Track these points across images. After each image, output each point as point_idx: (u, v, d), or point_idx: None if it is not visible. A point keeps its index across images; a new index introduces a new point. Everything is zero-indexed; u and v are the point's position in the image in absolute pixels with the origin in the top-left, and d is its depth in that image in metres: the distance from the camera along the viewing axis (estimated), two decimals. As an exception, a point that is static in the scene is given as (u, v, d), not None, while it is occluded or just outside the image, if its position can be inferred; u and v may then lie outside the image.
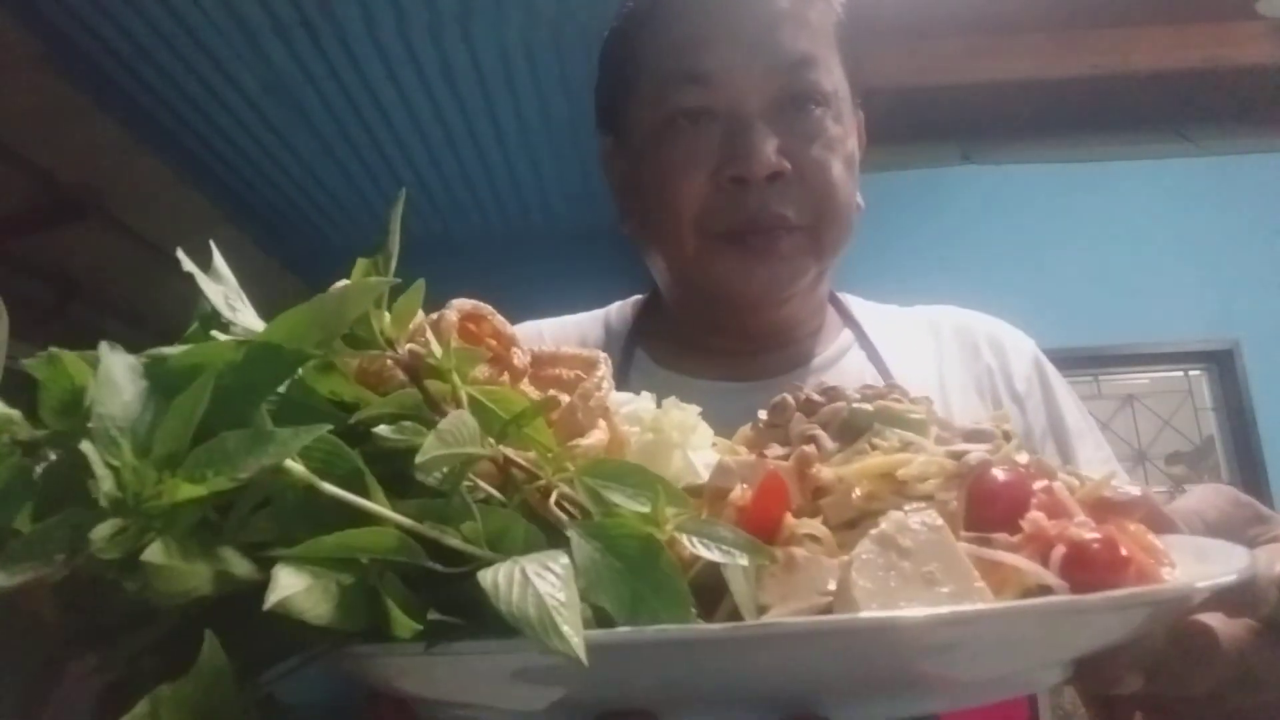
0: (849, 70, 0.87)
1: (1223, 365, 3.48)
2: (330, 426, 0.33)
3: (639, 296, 0.98)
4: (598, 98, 0.92)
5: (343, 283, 0.41)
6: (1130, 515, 0.39)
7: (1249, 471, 3.38)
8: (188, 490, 0.30)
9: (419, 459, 0.34)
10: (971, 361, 0.91)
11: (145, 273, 2.91)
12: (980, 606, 0.33)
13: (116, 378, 0.33)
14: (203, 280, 0.40)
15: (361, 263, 0.41)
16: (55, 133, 2.32)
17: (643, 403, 0.49)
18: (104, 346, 0.34)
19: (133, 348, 0.36)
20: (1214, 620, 0.41)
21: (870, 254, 3.18)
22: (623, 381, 0.87)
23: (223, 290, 0.41)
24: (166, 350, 0.36)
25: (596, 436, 0.42)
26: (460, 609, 0.33)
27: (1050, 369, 0.92)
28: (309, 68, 2.91)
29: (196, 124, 3.13)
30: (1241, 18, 3.29)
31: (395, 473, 0.35)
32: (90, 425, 0.32)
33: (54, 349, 0.34)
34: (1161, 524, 0.41)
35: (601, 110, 0.92)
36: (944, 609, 0.33)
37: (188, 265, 0.40)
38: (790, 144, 0.79)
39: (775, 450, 0.44)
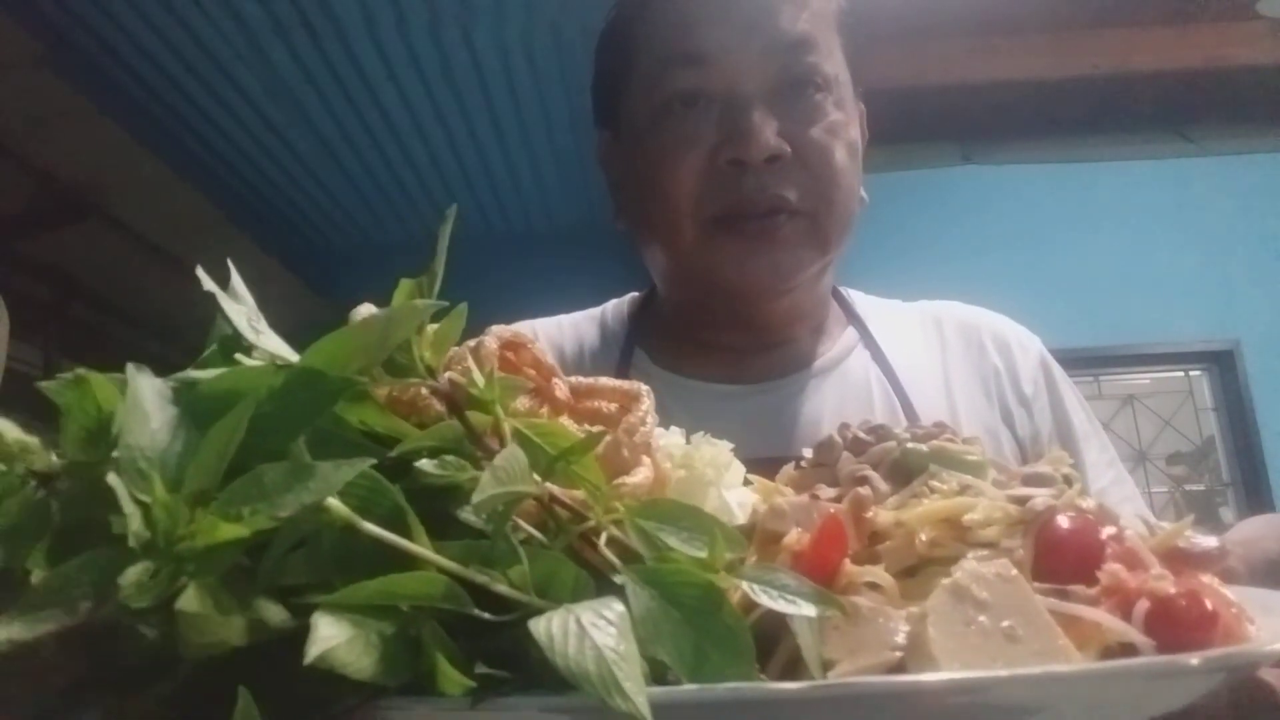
0: (850, 58, 0.85)
1: (1223, 365, 3.48)
2: (374, 461, 0.31)
3: (635, 294, 0.96)
4: (594, 93, 0.91)
5: (366, 307, 0.39)
6: (1208, 568, 0.37)
7: (1249, 471, 3.38)
8: (225, 531, 0.28)
9: (476, 499, 0.31)
10: (977, 360, 0.89)
11: (145, 273, 2.91)
12: (1076, 667, 0.32)
13: (145, 404, 0.30)
14: (224, 300, 0.38)
15: (405, 284, 0.38)
16: (55, 133, 2.32)
17: (672, 438, 0.46)
18: (131, 369, 0.31)
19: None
20: (1273, 677, 0.40)
21: (870, 254, 3.18)
22: None
23: (244, 311, 0.38)
24: (196, 374, 0.33)
25: (642, 475, 0.40)
26: (505, 660, 0.31)
27: (1057, 369, 0.91)
28: (309, 68, 2.91)
29: (196, 124, 3.13)
30: (1242, 18, 3.29)
31: (434, 511, 0.33)
32: (117, 456, 0.29)
33: (81, 370, 0.32)
34: (1229, 575, 0.39)
35: (598, 105, 0.91)
36: (1037, 669, 0.31)
37: (208, 284, 0.38)
38: (790, 127, 0.77)
39: (826, 492, 0.42)
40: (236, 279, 0.39)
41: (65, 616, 0.26)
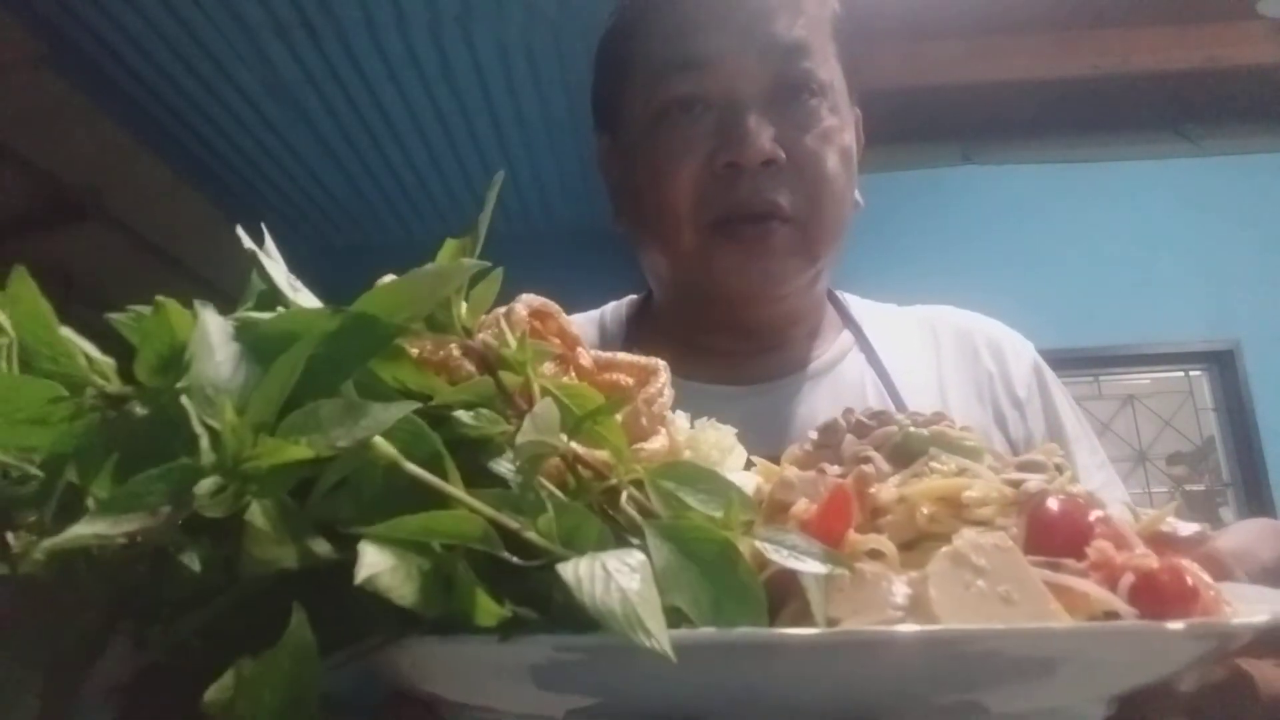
0: (846, 65, 0.86)
1: (1223, 365, 3.48)
2: (418, 405, 0.32)
3: (633, 297, 0.97)
4: (594, 97, 0.92)
5: (389, 278, 0.40)
6: (1188, 551, 0.39)
7: (1249, 471, 3.38)
8: (288, 452, 0.29)
9: (519, 438, 0.33)
10: (971, 365, 0.90)
11: (145, 273, 2.91)
12: (1069, 625, 0.34)
13: (212, 338, 0.32)
14: (263, 258, 0.39)
15: (450, 244, 0.39)
16: (55, 133, 2.32)
17: (679, 420, 0.48)
18: (199, 305, 0.33)
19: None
20: (1252, 667, 0.42)
21: (870, 254, 3.19)
22: None
23: (282, 269, 0.40)
24: (257, 315, 0.35)
25: (659, 442, 0.42)
26: (529, 603, 0.32)
27: (1049, 373, 0.92)
28: (309, 68, 2.91)
29: (196, 124, 3.13)
30: (1242, 18, 3.29)
31: (467, 461, 0.34)
32: (186, 384, 0.30)
33: (161, 298, 0.33)
34: (1216, 569, 0.41)
35: (598, 109, 0.91)
36: (1034, 625, 0.33)
37: (247, 243, 0.39)
38: (785, 132, 0.78)
39: (830, 469, 0.44)
40: (270, 242, 0.41)
41: (147, 519, 0.28)
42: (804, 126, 0.79)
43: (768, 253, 0.79)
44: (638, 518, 0.35)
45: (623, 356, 0.47)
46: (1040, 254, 3.48)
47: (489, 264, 0.38)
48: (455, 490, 0.32)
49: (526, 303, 0.44)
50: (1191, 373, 3.58)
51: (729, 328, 0.87)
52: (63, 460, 0.32)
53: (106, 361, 0.34)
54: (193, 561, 0.30)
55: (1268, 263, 3.47)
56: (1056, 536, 0.38)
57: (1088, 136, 3.61)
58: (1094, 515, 0.39)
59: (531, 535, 0.33)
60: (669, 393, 0.45)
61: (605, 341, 0.93)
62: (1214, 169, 3.59)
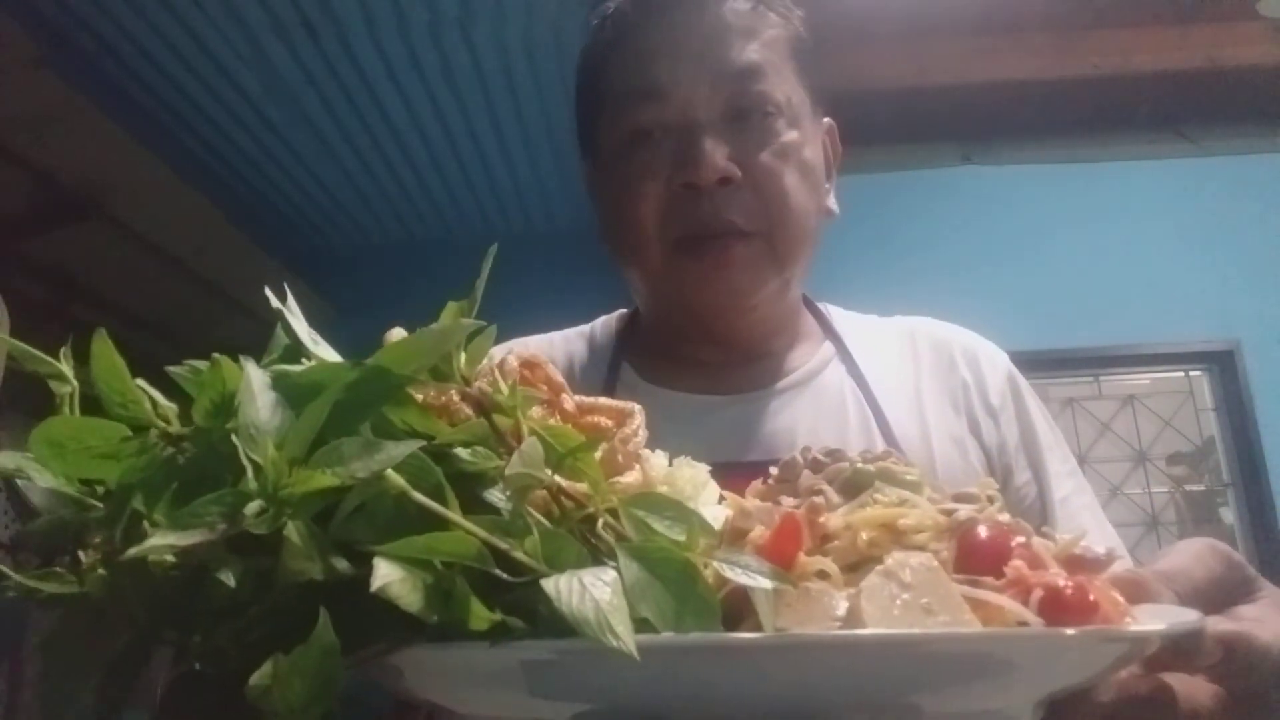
0: (807, 82, 0.89)
1: (1223, 365, 3.48)
2: (423, 444, 0.38)
3: (623, 311, 1.00)
4: (576, 124, 0.95)
5: (397, 331, 0.48)
6: (1096, 572, 0.44)
7: (1249, 471, 3.38)
8: (318, 481, 0.36)
9: (509, 472, 0.39)
10: (947, 374, 0.92)
11: (145, 273, 2.91)
12: (976, 630, 0.39)
13: (255, 389, 0.38)
14: (289, 315, 0.46)
15: (452, 306, 0.45)
16: (55, 133, 2.32)
17: (656, 459, 0.53)
18: (245, 361, 0.40)
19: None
20: (1174, 681, 0.46)
21: (870, 254, 3.20)
22: (609, 396, 0.89)
23: (304, 326, 0.47)
24: (289, 368, 0.42)
25: (633, 477, 0.48)
26: (517, 614, 0.37)
27: (1023, 382, 0.94)
28: (309, 68, 2.91)
29: (196, 124, 3.13)
30: (1242, 18, 3.29)
31: (464, 492, 0.40)
32: (235, 425, 0.37)
33: (217, 355, 0.40)
34: (1135, 591, 0.45)
35: (580, 136, 0.95)
36: (942, 630, 0.38)
37: (275, 303, 0.46)
38: (740, 152, 0.82)
39: (788, 502, 0.49)
40: (291, 299, 0.47)
41: (207, 534, 0.34)
42: (760, 144, 0.83)
43: (730, 267, 0.83)
44: (612, 541, 0.40)
45: (603, 401, 0.53)
46: (1040, 254, 3.48)
47: (485, 323, 0.44)
48: (454, 516, 0.38)
49: (517, 355, 0.50)
50: (1191, 373, 3.58)
51: (708, 340, 0.91)
52: (130, 490, 0.39)
53: (170, 407, 0.40)
54: (228, 577, 0.36)
55: (1268, 263, 3.47)
56: (982, 558, 0.43)
57: (1088, 136, 3.61)
58: (1016, 541, 0.44)
59: (519, 555, 0.38)
60: (643, 433, 0.51)
61: (594, 354, 0.96)
62: (1214, 169, 3.58)
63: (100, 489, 0.41)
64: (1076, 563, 0.44)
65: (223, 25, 2.66)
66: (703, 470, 0.53)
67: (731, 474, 0.82)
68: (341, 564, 0.36)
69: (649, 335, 0.96)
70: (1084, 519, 0.90)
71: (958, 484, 0.83)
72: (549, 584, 0.36)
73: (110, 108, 2.47)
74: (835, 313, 1.00)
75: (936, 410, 0.89)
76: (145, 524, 0.38)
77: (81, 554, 0.39)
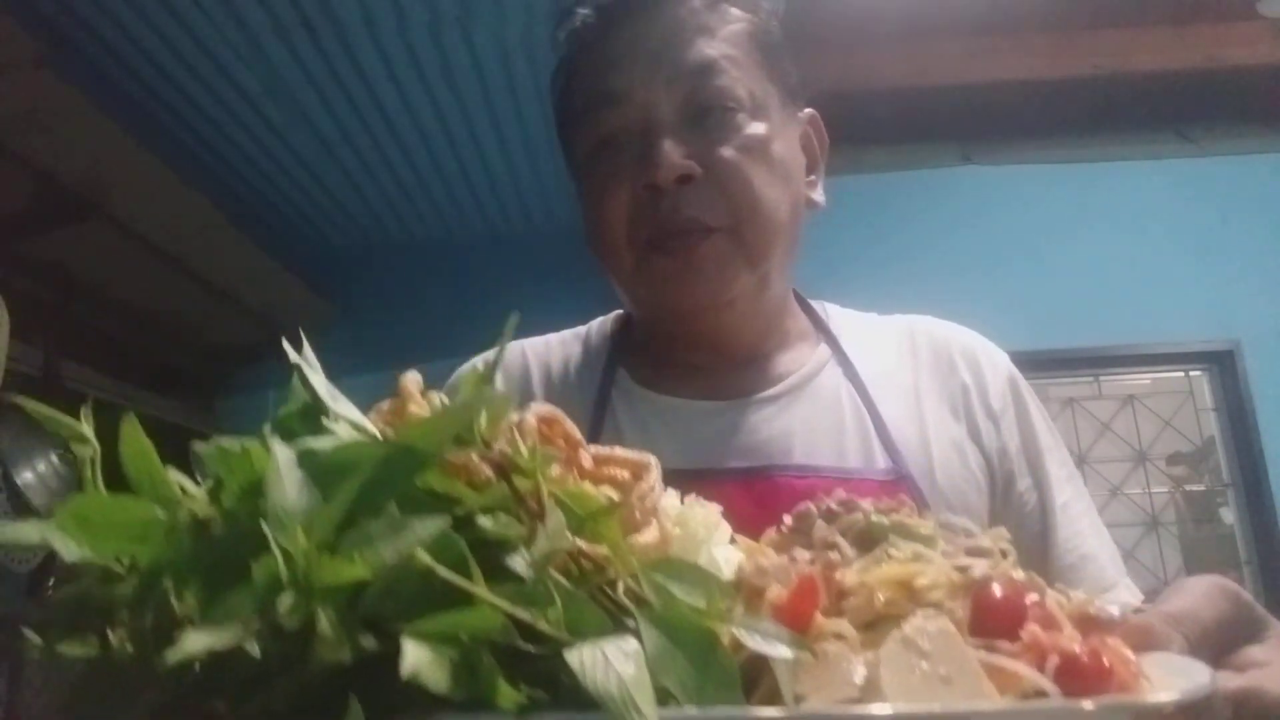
0: (777, 75, 0.88)
1: (1223, 366, 3.48)
2: (448, 519, 0.38)
3: (619, 313, 1.00)
4: (559, 140, 0.96)
5: (412, 374, 0.50)
6: (1110, 632, 0.44)
7: (1249, 471, 3.38)
8: (350, 572, 0.36)
9: (536, 553, 0.40)
10: (947, 377, 0.91)
11: (145, 273, 2.91)
12: (996, 704, 0.39)
13: (283, 469, 0.38)
14: (307, 370, 0.47)
15: (472, 375, 0.47)
16: (55, 133, 2.32)
17: (668, 500, 0.54)
18: (271, 439, 0.40)
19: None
20: None
21: (870, 254, 3.20)
22: (604, 402, 0.90)
23: (323, 381, 0.47)
24: (315, 446, 0.42)
25: (650, 534, 0.48)
26: (540, 684, 0.38)
27: (1024, 384, 0.93)
28: (309, 68, 2.91)
29: (196, 124, 3.13)
30: (1242, 18, 3.29)
31: (485, 558, 0.40)
32: (264, 510, 0.37)
33: (244, 441, 0.41)
34: (1145, 639, 0.46)
35: (562, 149, 0.95)
36: (965, 706, 0.39)
37: (294, 357, 0.47)
38: (701, 149, 0.82)
39: (801, 554, 0.50)
40: (308, 349, 0.48)
41: (240, 631, 0.35)
42: (720, 140, 0.82)
43: (697, 264, 0.82)
44: (631, 606, 0.41)
45: (619, 452, 0.53)
46: (1040, 254, 3.48)
47: (505, 394, 0.45)
48: (479, 590, 0.38)
49: (535, 412, 0.50)
50: (1191, 373, 3.58)
51: (693, 342, 0.90)
52: (159, 572, 0.39)
53: (199, 492, 0.41)
54: (253, 649, 0.36)
55: (1268, 263, 3.47)
56: (997, 618, 0.43)
57: (1088, 136, 3.61)
58: (1030, 599, 0.45)
59: (542, 625, 0.38)
60: (659, 487, 0.52)
61: (589, 358, 0.96)
62: (1214, 169, 3.58)
63: (126, 561, 0.41)
64: (1090, 622, 0.45)
65: (223, 25, 2.66)
66: (714, 511, 0.54)
67: (727, 481, 0.81)
68: (369, 642, 0.36)
69: (641, 339, 0.96)
70: (1083, 525, 0.90)
71: (957, 490, 0.84)
72: (573, 657, 0.36)
73: (110, 108, 2.47)
74: (832, 311, 0.99)
75: (935, 413, 0.89)
76: (173, 602, 0.38)
77: (109, 631, 0.40)
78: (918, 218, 3.48)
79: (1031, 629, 0.42)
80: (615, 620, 0.40)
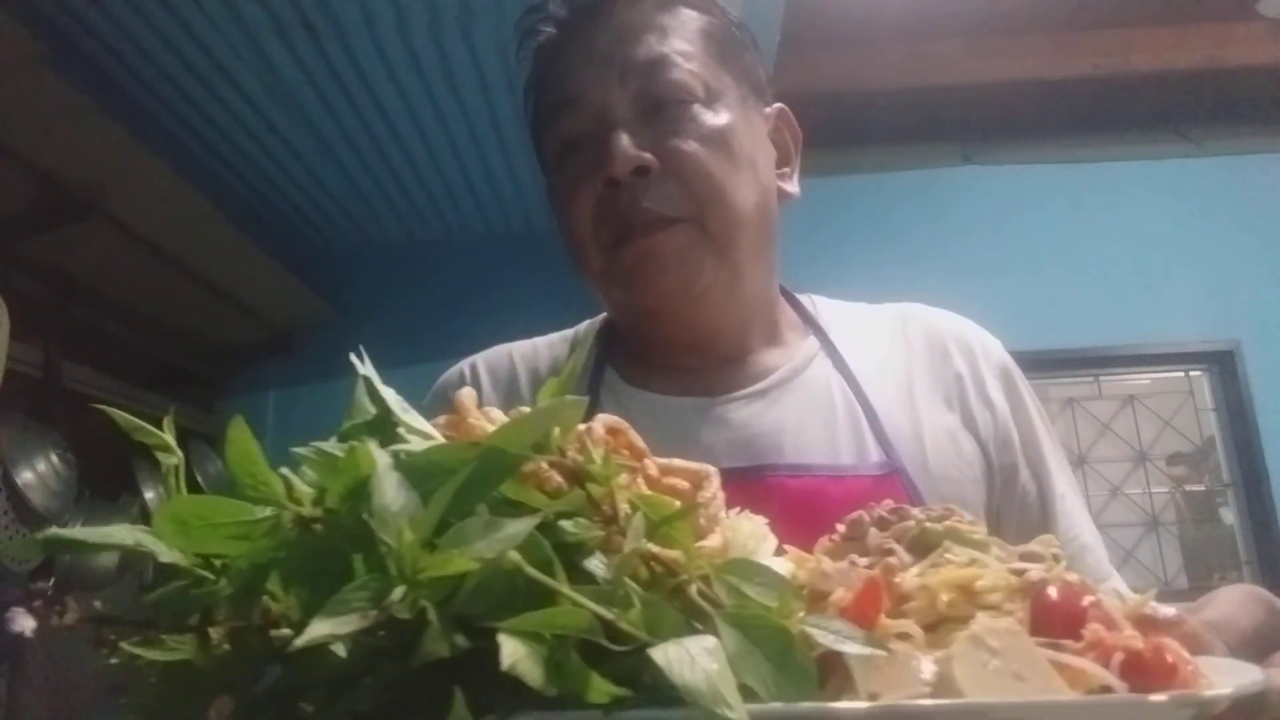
0: (733, 69, 0.88)
1: (1223, 366, 3.48)
2: (537, 521, 0.40)
3: (606, 314, 1.00)
4: (536, 154, 0.96)
5: (468, 391, 0.52)
6: (1168, 632, 0.45)
7: (1249, 472, 3.39)
8: (454, 565, 0.37)
9: (627, 548, 0.41)
10: (940, 367, 0.91)
11: (145, 273, 2.91)
12: (1073, 697, 0.40)
13: (384, 471, 0.40)
14: (377, 384, 0.49)
15: (552, 383, 0.49)
16: (55, 133, 2.31)
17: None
18: (373, 447, 0.41)
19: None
20: None
21: (870, 254, 3.20)
22: (593, 401, 0.88)
23: (392, 393, 0.49)
24: (407, 448, 0.44)
25: (715, 540, 0.49)
26: (620, 682, 0.39)
27: (1018, 372, 0.93)
28: (309, 68, 2.91)
29: (196, 124, 3.13)
30: (1242, 18, 3.29)
31: (565, 562, 0.41)
32: (369, 509, 0.39)
33: (355, 443, 0.42)
34: (1193, 644, 0.46)
35: (540, 165, 0.96)
36: (1045, 697, 0.40)
37: (362, 370, 0.49)
38: (657, 141, 0.82)
39: (860, 561, 0.51)
40: (369, 364, 0.50)
41: (359, 620, 0.36)
42: (675, 132, 0.82)
43: (661, 254, 0.82)
44: (706, 606, 0.42)
45: (677, 463, 0.54)
46: (1040, 254, 3.48)
47: (582, 399, 0.47)
48: (565, 589, 0.39)
49: (603, 422, 0.52)
50: (1191, 373, 3.58)
51: (673, 340, 0.89)
52: (264, 569, 0.40)
53: (306, 491, 0.42)
54: (340, 649, 0.37)
55: (1268, 263, 3.47)
56: (1056, 619, 0.44)
57: (1088, 136, 3.62)
58: (1087, 600, 0.45)
59: (624, 625, 0.39)
60: (720, 495, 0.53)
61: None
62: (1214, 169, 3.59)
63: (217, 563, 0.42)
64: (1148, 622, 0.46)
65: (223, 25, 2.65)
66: (761, 524, 0.54)
67: (724, 482, 0.81)
68: (462, 640, 0.38)
69: (626, 340, 0.96)
70: (1079, 516, 0.90)
71: (951, 481, 0.84)
72: (658, 654, 0.37)
73: (110, 108, 2.47)
74: (820, 304, 0.98)
75: (928, 404, 0.88)
76: (270, 603, 0.39)
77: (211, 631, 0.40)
78: (918, 218, 3.48)
79: (1094, 627, 0.43)
80: (689, 621, 0.41)
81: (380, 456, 0.41)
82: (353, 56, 2.89)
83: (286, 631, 0.38)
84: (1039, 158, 3.63)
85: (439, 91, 3.13)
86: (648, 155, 0.81)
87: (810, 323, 0.95)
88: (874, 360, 0.90)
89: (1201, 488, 3.55)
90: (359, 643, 0.37)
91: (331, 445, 0.44)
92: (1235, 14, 3.28)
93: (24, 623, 0.38)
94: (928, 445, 0.85)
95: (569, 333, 1.00)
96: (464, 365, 0.98)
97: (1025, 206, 3.58)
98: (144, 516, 2.87)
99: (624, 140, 0.81)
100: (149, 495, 2.92)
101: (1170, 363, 3.58)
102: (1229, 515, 3.47)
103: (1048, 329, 3.21)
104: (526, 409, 0.50)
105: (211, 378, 3.70)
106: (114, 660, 0.40)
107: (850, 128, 3.30)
